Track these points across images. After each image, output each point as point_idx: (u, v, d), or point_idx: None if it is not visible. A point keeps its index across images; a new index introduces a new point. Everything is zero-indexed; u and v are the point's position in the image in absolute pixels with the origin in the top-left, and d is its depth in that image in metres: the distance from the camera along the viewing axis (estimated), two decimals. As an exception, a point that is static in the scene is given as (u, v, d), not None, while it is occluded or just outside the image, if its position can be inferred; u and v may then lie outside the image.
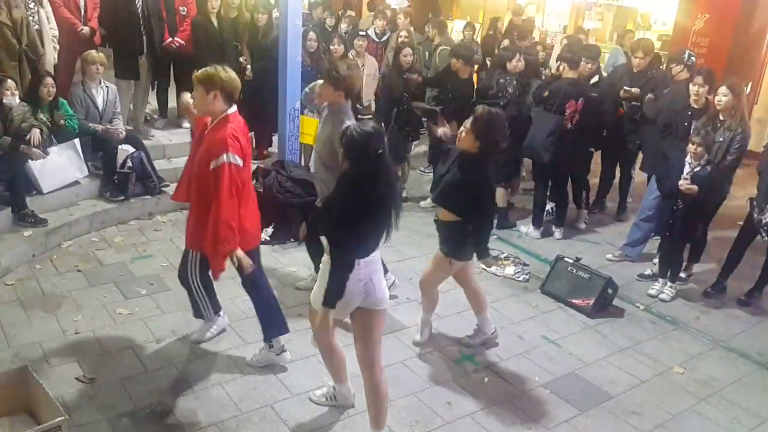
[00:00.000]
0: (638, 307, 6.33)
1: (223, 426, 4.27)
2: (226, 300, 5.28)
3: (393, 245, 6.80)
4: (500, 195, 7.73)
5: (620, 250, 7.31)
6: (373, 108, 8.76)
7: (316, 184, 5.43)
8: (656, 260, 6.77)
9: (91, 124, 7.19)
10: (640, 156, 7.95)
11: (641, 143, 7.74)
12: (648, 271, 6.87)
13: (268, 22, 8.62)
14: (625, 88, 7.54)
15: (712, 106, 6.31)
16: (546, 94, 7.27)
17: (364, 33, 8.91)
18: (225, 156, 4.18)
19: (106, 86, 7.42)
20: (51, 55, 7.36)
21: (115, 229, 7.06)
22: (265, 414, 4.41)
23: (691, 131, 6.34)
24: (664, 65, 8.33)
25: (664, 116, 6.90)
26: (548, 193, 7.81)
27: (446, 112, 7.75)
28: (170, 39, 8.35)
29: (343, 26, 10.32)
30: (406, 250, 6.96)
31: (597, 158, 8.38)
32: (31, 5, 7.14)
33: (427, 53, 10.00)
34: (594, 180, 8.51)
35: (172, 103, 8.95)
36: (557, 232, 7.75)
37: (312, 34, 8.38)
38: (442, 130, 5.01)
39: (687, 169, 6.05)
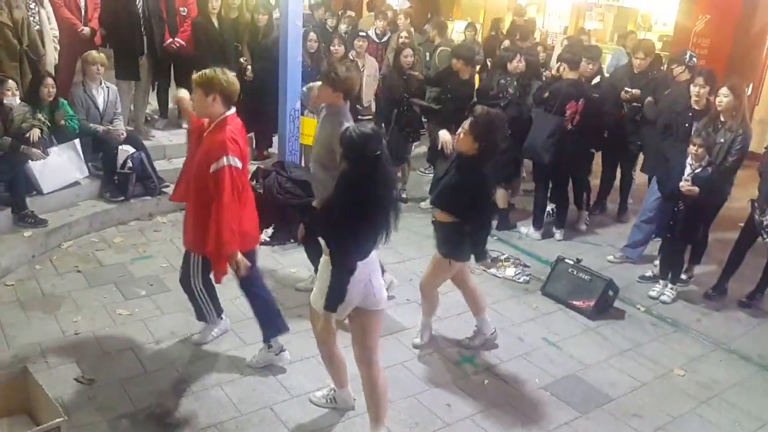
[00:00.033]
0: (639, 308, 6.31)
1: (223, 427, 4.25)
2: (226, 301, 5.27)
3: (392, 246, 6.80)
4: (501, 196, 7.74)
5: (621, 252, 7.29)
6: (373, 109, 8.75)
7: (313, 185, 5.43)
8: (657, 262, 6.76)
9: (91, 125, 7.18)
10: (641, 157, 7.95)
11: (642, 144, 7.73)
12: (649, 273, 6.85)
13: (268, 22, 8.61)
14: (626, 89, 7.53)
15: (713, 107, 6.29)
16: (546, 95, 7.25)
17: (364, 34, 8.89)
18: (225, 159, 4.18)
19: (107, 87, 7.41)
20: (51, 55, 7.35)
21: (115, 229, 7.06)
22: (264, 415, 4.40)
23: (692, 132, 6.32)
24: (665, 66, 8.31)
25: (665, 117, 6.88)
26: (549, 195, 7.79)
27: (445, 112, 7.77)
28: (171, 39, 8.35)
29: (343, 26, 10.30)
30: (405, 251, 6.95)
31: (598, 159, 8.37)
32: (32, 6, 7.14)
33: (427, 54, 9.98)
34: (595, 181, 8.49)
35: (172, 103, 8.91)
36: (558, 234, 7.73)
37: (312, 35, 8.38)
38: (444, 140, 4.98)
39: (688, 170, 6.03)
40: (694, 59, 7.43)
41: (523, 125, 7.33)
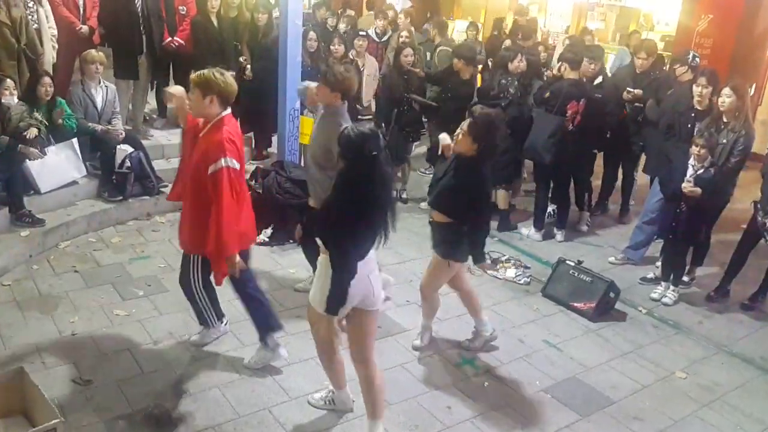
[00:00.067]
0: (640, 310, 6.28)
1: (220, 429, 4.23)
2: (224, 302, 5.23)
3: (393, 247, 6.82)
4: (501, 197, 7.72)
5: (622, 253, 7.26)
6: (373, 109, 8.72)
7: (309, 184, 5.43)
8: (659, 263, 6.73)
9: (90, 124, 7.15)
10: (643, 158, 7.92)
11: (644, 145, 7.69)
12: (650, 275, 6.82)
13: (268, 21, 8.58)
14: (628, 89, 7.50)
15: (715, 108, 6.26)
16: (547, 95, 7.22)
17: (364, 33, 8.86)
18: (223, 160, 4.18)
19: (106, 86, 7.38)
20: (50, 54, 7.32)
21: (113, 229, 7.03)
22: (262, 417, 4.37)
23: (695, 133, 6.29)
24: (668, 66, 8.28)
25: (668, 118, 6.85)
26: (550, 195, 7.76)
27: (445, 111, 7.74)
28: (170, 38, 8.31)
29: (342, 26, 10.26)
30: (405, 252, 6.92)
31: (599, 160, 8.34)
32: (30, 4, 7.11)
33: (428, 54, 9.94)
34: (596, 182, 8.46)
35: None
36: (559, 235, 7.70)
37: (312, 34, 8.35)
38: (445, 144, 4.96)
39: (690, 171, 6.01)
40: (697, 59, 7.38)
41: (524, 125, 7.31)
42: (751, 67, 10.86)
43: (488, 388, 4.94)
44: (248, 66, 8.56)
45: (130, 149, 7.29)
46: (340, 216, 3.66)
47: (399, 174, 8.42)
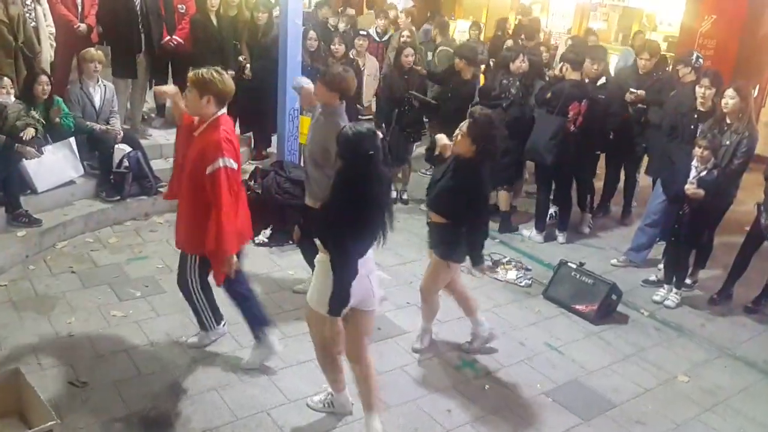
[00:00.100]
0: (643, 313, 6.25)
1: (218, 432, 4.21)
2: (222, 303, 5.19)
3: (393, 248, 6.82)
4: (503, 198, 7.69)
5: (624, 255, 7.22)
6: (373, 108, 8.68)
7: (305, 183, 5.44)
8: (661, 266, 6.71)
9: (88, 123, 7.10)
10: (646, 159, 7.89)
11: (647, 146, 7.66)
12: (653, 277, 6.78)
13: (268, 20, 8.54)
14: (631, 90, 7.45)
15: (718, 109, 6.22)
16: (549, 95, 7.18)
17: (365, 32, 8.82)
18: (221, 160, 4.19)
19: (104, 85, 7.34)
20: (47, 52, 7.28)
21: (110, 229, 6.99)
22: (261, 420, 4.35)
23: (698, 134, 6.26)
24: (670, 67, 8.24)
25: (671, 119, 6.83)
26: (551, 197, 7.72)
27: (446, 111, 7.70)
28: (169, 37, 8.28)
29: (342, 25, 10.22)
30: (406, 253, 6.88)
31: (601, 161, 8.31)
32: (28, 2, 7.07)
33: (429, 53, 9.91)
34: (598, 183, 8.43)
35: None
36: (560, 237, 7.67)
37: (312, 34, 8.33)
38: (442, 144, 4.94)
39: (693, 173, 5.97)
40: (701, 60, 7.35)
41: (525, 126, 7.28)
42: (754, 69, 10.80)
43: (489, 391, 4.91)
44: (248, 65, 8.52)
45: (128, 149, 7.25)
46: (339, 216, 3.68)
47: (400, 175, 8.40)
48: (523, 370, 5.18)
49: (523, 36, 10.11)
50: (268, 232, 6.90)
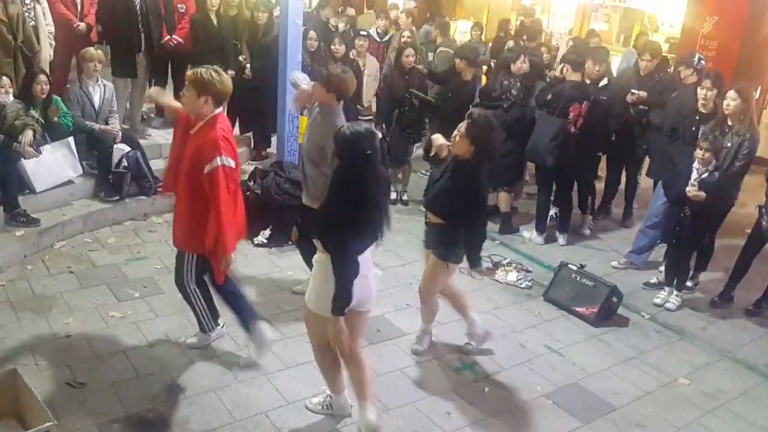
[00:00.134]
0: (643, 316, 6.23)
1: (216, 434, 4.19)
2: (220, 304, 5.19)
3: (393, 249, 6.81)
4: (503, 199, 7.66)
5: (625, 258, 7.19)
6: (374, 109, 8.66)
7: (303, 182, 5.45)
8: (662, 268, 6.69)
9: (87, 122, 7.08)
10: (647, 161, 7.86)
11: (648, 148, 7.64)
12: (654, 280, 6.75)
13: (268, 20, 8.53)
14: (632, 91, 7.42)
15: (720, 111, 6.20)
16: (549, 97, 7.15)
17: (365, 33, 8.80)
18: (218, 159, 4.20)
19: (104, 84, 7.32)
20: (47, 51, 7.27)
21: (109, 229, 6.96)
22: (259, 422, 4.33)
23: (699, 136, 6.24)
24: (672, 68, 8.21)
25: (672, 120, 6.80)
26: (552, 198, 7.70)
27: (446, 112, 7.67)
28: (168, 37, 8.26)
29: (341, 25, 10.20)
30: (406, 254, 6.86)
31: (602, 163, 8.28)
32: (28, 1, 7.05)
33: (430, 54, 9.90)
34: (599, 185, 8.42)
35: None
36: (561, 238, 7.64)
37: (312, 34, 8.30)
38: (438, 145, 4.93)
39: (694, 175, 5.95)
40: (703, 62, 7.32)
41: (526, 127, 7.25)
42: (756, 70, 10.77)
43: (488, 393, 4.88)
44: (248, 65, 8.51)
45: (127, 148, 7.22)
46: (337, 215, 3.70)
47: (400, 176, 8.38)
48: (523, 373, 5.16)
49: (524, 37, 10.10)
50: (267, 232, 6.87)
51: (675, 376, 5.33)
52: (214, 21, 8.32)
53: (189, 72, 4.32)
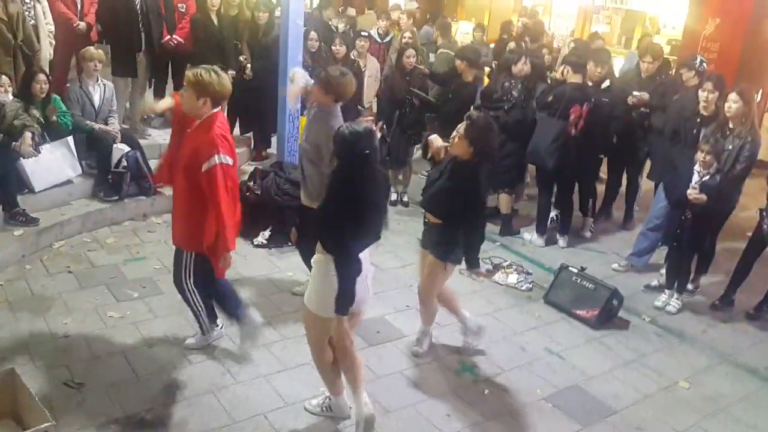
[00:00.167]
0: (644, 319, 6.20)
1: (214, 436, 4.18)
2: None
3: (393, 250, 6.79)
4: (504, 201, 7.64)
5: (626, 260, 7.16)
6: (374, 110, 8.64)
7: (301, 181, 5.46)
8: (663, 271, 6.66)
9: (87, 122, 7.06)
10: (648, 163, 7.84)
11: (649, 150, 7.61)
12: (654, 282, 6.73)
13: (269, 20, 8.51)
14: (634, 92, 7.40)
15: (721, 114, 6.17)
16: (550, 98, 7.13)
17: (366, 33, 8.78)
18: (216, 157, 4.21)
19: (104, 84, 7.29)
20: (47, 50, 7.26)
21: (108, 229, 6.94)
22: (258, 423, 4.32)
23: (700, 139, 6.21)
24: (673, 70, 8.19)
25: (673, 123, 6.78)
26: (553, 200, 7.68)
27: (446, 112, 7.66)
28: (169, 36, 8.23)
29: (341, 25, 10.17)
30: (406, 255, 6.83)
31: (603, 165, 8.26)
32: (28, 0, 7.04)
33: (431, 55, 9.88)
34: (600, 187, 8.38)
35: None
36: (561, 240, 7.62)
37: (313, 34, 8.28)
38: (434, 147, 4.94)
39: (696, 177, 5.92)
40: (705, 64, 7.30)
41: (527, 129, 7.23)
42: (758, 73, 10.72)
43: (488, 395, 4.87)
44: (248, 65, 8.50)
45: (126, 148, 7.19)
46: (336, 215, 3.72)
47: (400, 177, 8.36)
48: (523, 375, 5.14)
49: (527, 38, 10.08)
50: (267, 233, 6.86)
51: (675, 379, 5.30)
52: (215, 21, 8.30)
53: (188, 73, 4.32)
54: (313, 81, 5.43)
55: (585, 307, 6.02)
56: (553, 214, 7.84)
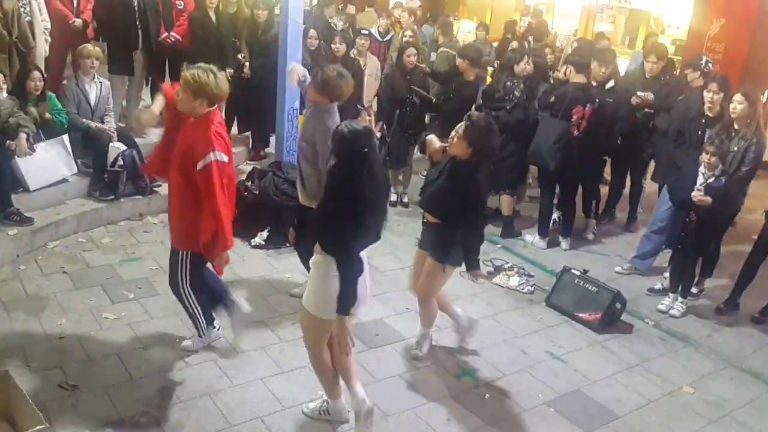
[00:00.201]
0: (647, 322, 6.15)
1: (211, 439, 4.14)
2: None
3: (393, 251, 6.75)
4: (505, 202, 7.59)
5: (629, 263, 7.11)
6: (374, 109, 8.58)
7: (298, 180, 5.43)
8: (667, 274, 6.60)
9: (83, 120, 7.01)
10: (652, 165, 7.79)
11: (653, 152, 7.56)
12: (658, 285, 6.68)
13: (268, 18, 8.47)
14: (638, 93, 7.34)
15: (726, 115, 6.14)
16: (552, 99, 7.08)
17: (366, 32, 8.71)
18: (212, 154, 4.20)
19: (100, 81, 7.25)
20: (42, 47, 7.22)
21: (103, 229, 6.89)
22: (254, 427, 4.28)
23: (705, 140, 6.16)
24: (678, 71, 8.13)
25: (678, 124, 6.74)
26: (555, 202, 7.63)
27: (447, 112, 7.62)
28: (166, 34, 8.18)
29: (340, 23, 10.11)
30: (406, 257, 6.75)
31: (607, 167, 8.21)
32: (23, -4, 7.00)
33: (432, 54, 9.83)
34: (603, 189, 8.34)
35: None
36: (564, 243, 7.57)
37: (313, 32, 8.24)
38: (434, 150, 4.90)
39: (700, 179, 5.87)
40: (710, 65, 7.24)
41: (529, 129, 7.18)
42: (763, 74, 10.67)
43: (489, 400, 4.82)
44: (246, 63, 8.45)
45: (123, 147, 7.12)
46: (335, 215, 3.71)
47: (400, 177, 8.32)
48: (524, 379, 5.10)
49: (531, 38, 10.03)
50: (264, 234, 6.80)
51: (679, 384, 5.26)
52: (213, 18, 8.25)
53: (185, 73, 4.29)
54: (310, 78, 5.40)
55: (587, 310, 5.97)
56: (555, 215, 7.79)
